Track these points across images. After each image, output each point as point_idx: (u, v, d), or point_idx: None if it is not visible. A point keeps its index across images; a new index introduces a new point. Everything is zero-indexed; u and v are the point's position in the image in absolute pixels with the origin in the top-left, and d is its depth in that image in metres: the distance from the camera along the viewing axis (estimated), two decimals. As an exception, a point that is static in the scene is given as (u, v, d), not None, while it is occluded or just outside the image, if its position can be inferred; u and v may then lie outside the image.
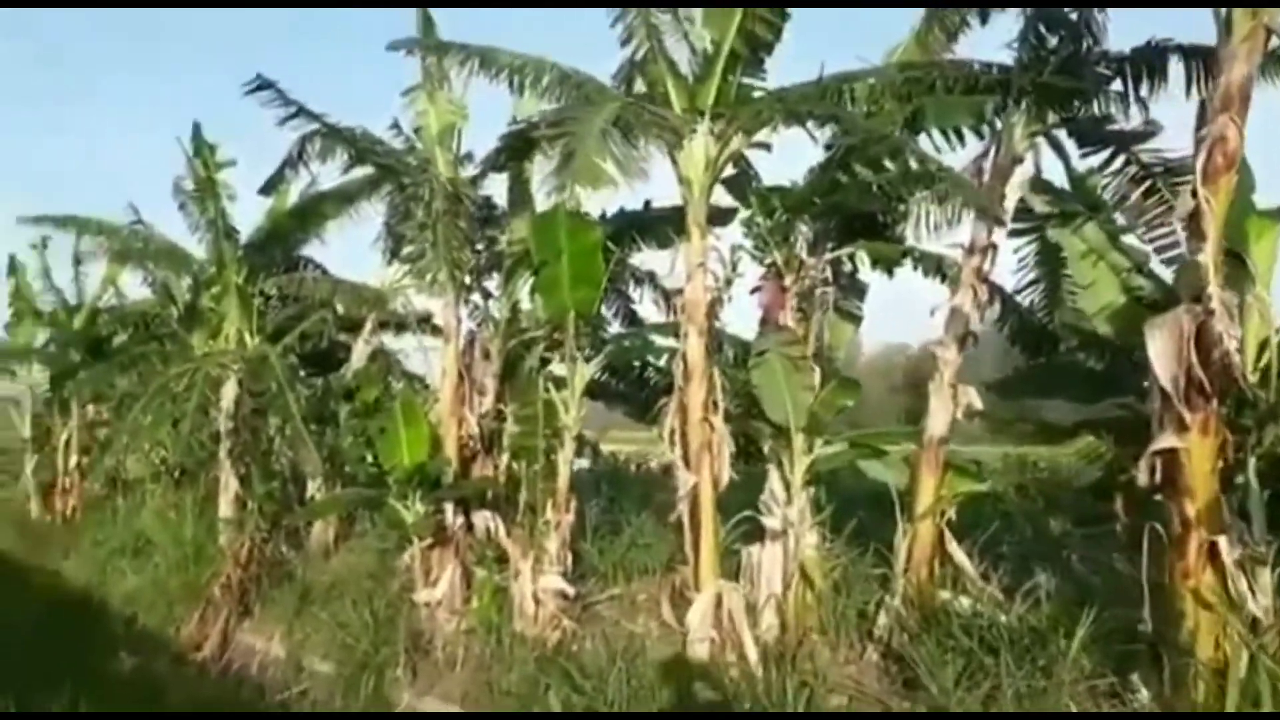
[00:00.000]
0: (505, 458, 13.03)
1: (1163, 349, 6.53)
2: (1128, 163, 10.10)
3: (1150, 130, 9.91)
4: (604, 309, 12.91)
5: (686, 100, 9.69)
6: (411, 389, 15.38)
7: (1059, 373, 9.36)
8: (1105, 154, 10.15)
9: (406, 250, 13.59)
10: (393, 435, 12.17)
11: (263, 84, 11.68)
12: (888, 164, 9.29)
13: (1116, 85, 8.97)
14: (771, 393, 9.45)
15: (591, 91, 9.74)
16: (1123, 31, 10.27)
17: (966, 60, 10.03)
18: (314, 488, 15.74)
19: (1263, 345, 6.64)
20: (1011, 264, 10.14)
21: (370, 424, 14.19)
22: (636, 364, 13.08)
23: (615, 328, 13.56)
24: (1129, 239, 8.06)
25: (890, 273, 11.35)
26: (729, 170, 10.14)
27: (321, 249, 17.58)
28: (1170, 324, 6.52)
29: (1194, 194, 6.50)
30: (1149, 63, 9.53)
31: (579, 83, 10.15)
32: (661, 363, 11.89)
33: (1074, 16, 10.11)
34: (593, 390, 12.25)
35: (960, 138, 8.56)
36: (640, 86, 10.57)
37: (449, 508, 12.06)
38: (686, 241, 9.87)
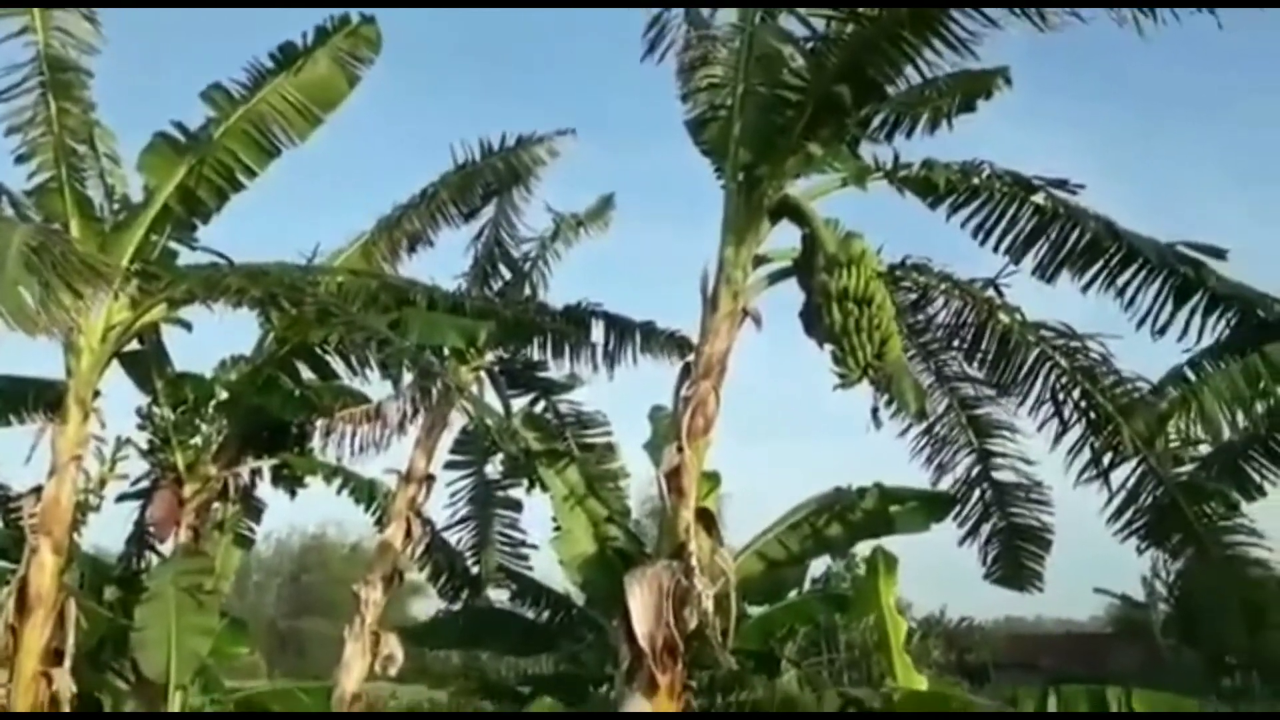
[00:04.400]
0: None
1: (643, 604, 6.38)
2: (546, 409, 10.53)
3: (571, 383, 10.49)
4: None
5: (95, 249, 7.62)
6: None
7: (489, 621, 8.79)
8: (529, 397, 10.49)
9: None
10: None
11: None
12: (337, 368, 8.26)
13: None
14: (154, 637, 7.24)
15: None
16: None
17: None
18: None
19: (720, 605, 6.88)
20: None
21: None
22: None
23: None
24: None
25: (293, 493, 9.96)
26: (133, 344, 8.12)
27: None
28: (651, 579, 6.44)
29: (678, 450, 6.70)
30: (577, 320, 10.16)
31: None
32: None
33: (525, 266, 10.57)
34: None
35: (443, 357, 7.94)
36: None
37: None
38: (59, 425, 7.45)
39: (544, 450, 7.37)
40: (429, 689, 12.27)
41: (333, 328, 7.11)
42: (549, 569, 9.00)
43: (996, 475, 8.38)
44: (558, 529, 7.20)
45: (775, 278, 7.33)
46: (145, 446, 8.53)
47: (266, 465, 9.20)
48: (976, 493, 8.43)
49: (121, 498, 8.91)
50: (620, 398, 10.52)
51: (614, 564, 6.98)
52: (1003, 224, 7.36)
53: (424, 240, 10.43)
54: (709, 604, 6.40)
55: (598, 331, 10.05)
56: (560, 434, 10.05)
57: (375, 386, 9.55)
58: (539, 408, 10.42)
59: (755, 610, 7.81)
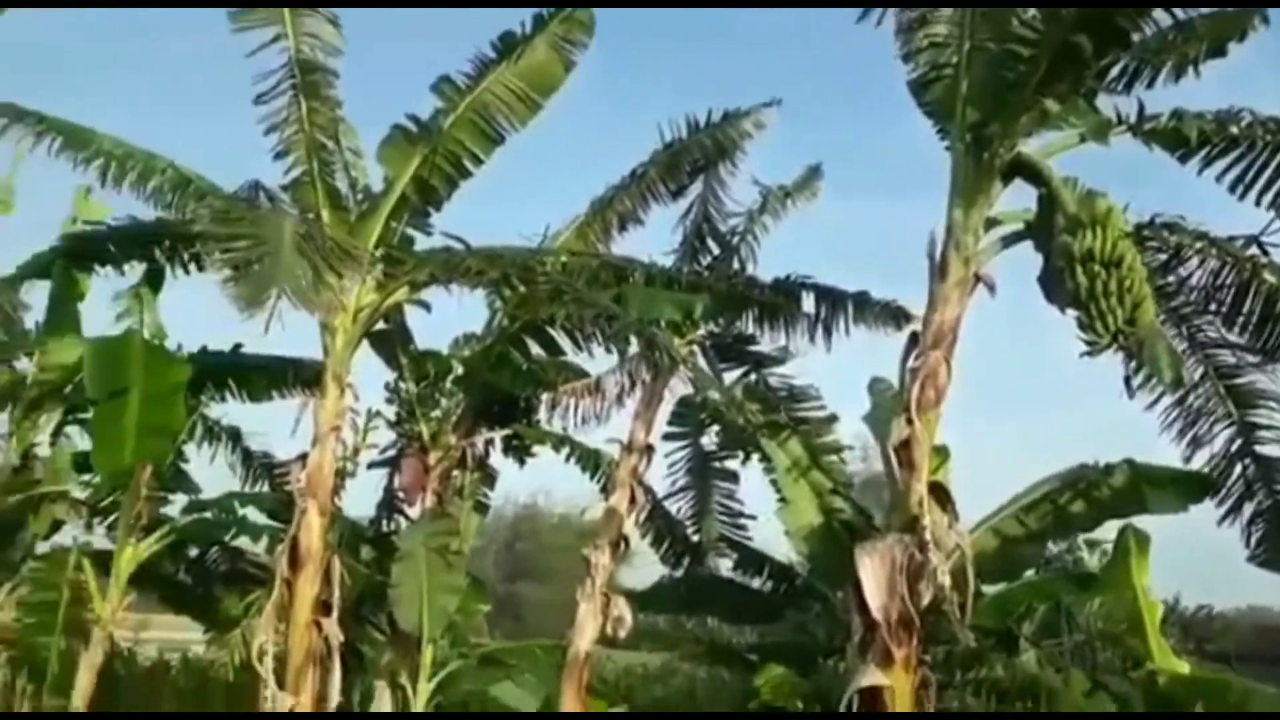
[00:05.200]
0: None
1: (874, 577, 6.33)
2: (757, 383, 10.49)
3: (782, 356, 10.39)
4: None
5: (343, 237, 8.24)
6: None
7: (710, 588, 8.97)
8: (740, 371, 10.48)
9: None
10: None
11: None
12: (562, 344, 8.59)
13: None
14: (408, 593, 7.83)
15: (212, 209, 7.85)
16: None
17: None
18: None
19: (956, 580, 6.73)
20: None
21: None
22: (198, 544, 10.46)
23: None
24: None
25: (523, 461, 10.46)
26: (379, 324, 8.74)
27: None
28: (883, 552, 6.38)
29: (908, 422, 6.58)
30: (787, 293, 10.06)
31: (203, 191, 8.24)
32: (262, 545, 9.52)
33: (733, 240, 10.59)
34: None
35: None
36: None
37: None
38: (319, 399, 8.14)
39: (766, 422, 7.39)
40: (648, 652, 12.57)
41: (564, 304, 7.40)
42: (769, 540, 9.09)
43: (1261, 450, 7.71)
44: (781, 500, 7.22)
45: (1008, 241, 7.04)
46: (393, 418, 9.21)
47: (499, 436, 9.71)
48: (1237, 469, 7.79)
49: (372, 465, 9.67)
50: (825, 370, 10.36)
51: (840, 536, 6.96)
52: (1266, 175, 6.74)
53: (634, 219, 10.62)
54: (945, 579, 6.26)
55: (809, 303, 9.96)
56: (775, 407, 10.03)
57: (593, 362, 9.92)
58: (749, 381, 10.43)
59: (988, 588, 7.55)
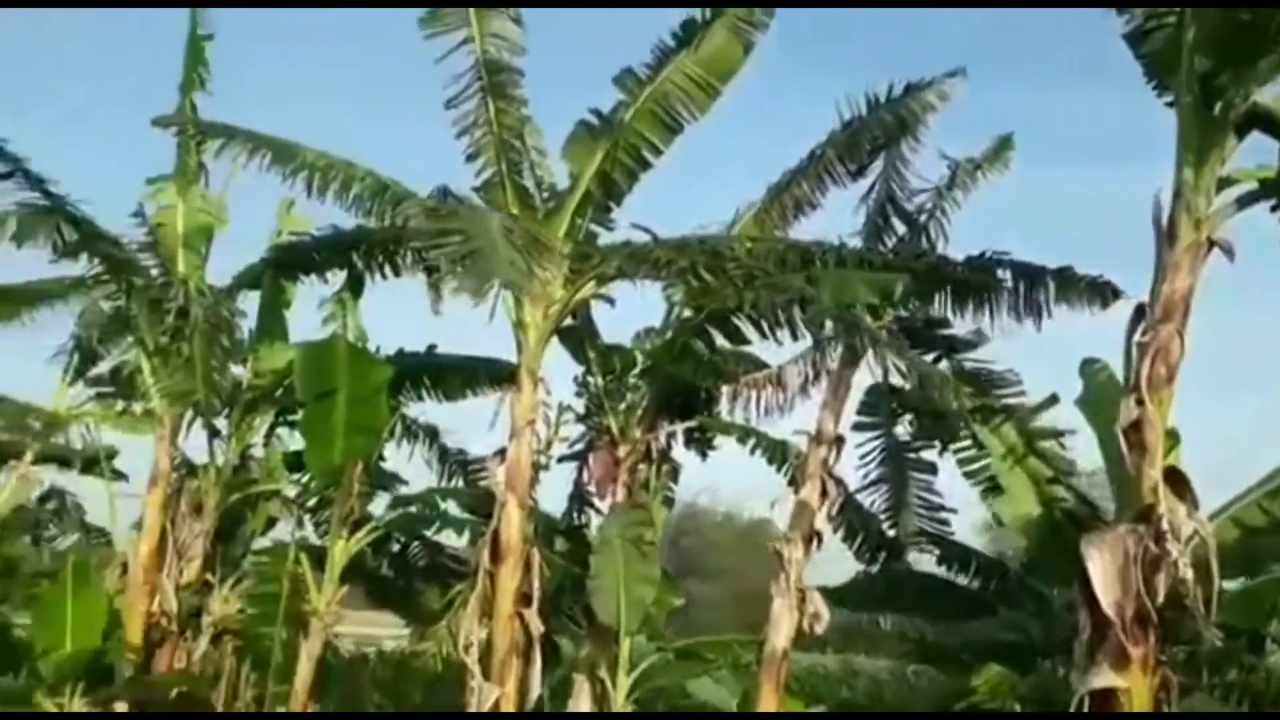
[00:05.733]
0: (204, 642, 10.20)
1: (1105, 571, 5.89)
2: (952, 368, 9.96)
3: (976, 340, 9.84)
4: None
5: (539, 231, 8.36)
6: (87, 545, 11.94)
7: (911, 585, 8.61)
8: (931, 357, 9.98)
9: (104, 367, 10.98)
10: (53, 608, 9.12)
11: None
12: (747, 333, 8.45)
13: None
14: (606, 584, 7.86)
15: (423, 208, 8.10)
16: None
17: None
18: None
19: (1199, 573, 6.19)
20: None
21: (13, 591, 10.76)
22: (400, 539, 10.89)
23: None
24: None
25: (704, 455, 10.36)
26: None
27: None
28: (1113, 544, 5.92)
29: (1138, 403, 6.10)
30: (983, 270, 9.51)
31: (400, 196, 8.51)
32: (461, 540, 9.83)
33: (920, 218, 10.15)
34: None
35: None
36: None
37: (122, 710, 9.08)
38: (515, 394, 8.29)
39: (978, 406, 7.01)
40: (822, 653, 12.12)
41: (754, 290, 7.25)
42: (963, 535, 8.60)
43: None
44: (994, 489, 6.82)
45: (1244, 201, 6.42)
46: (582, 412, 9.30)
47: (681, 429, 9.65)
48: None
49: (563, 459, 9.80)
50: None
51: (1062, 526, 6.51)
52: None
53: (810, 203, 10.29)
54: (1187, 572, 5.75)
55: (1007, 281, 9.39)
56: (985, 391, 9.49)
57: (771, 353, 9.71)
58: (942, 366, 9.94)
59: (1227, 584, 6.89)
